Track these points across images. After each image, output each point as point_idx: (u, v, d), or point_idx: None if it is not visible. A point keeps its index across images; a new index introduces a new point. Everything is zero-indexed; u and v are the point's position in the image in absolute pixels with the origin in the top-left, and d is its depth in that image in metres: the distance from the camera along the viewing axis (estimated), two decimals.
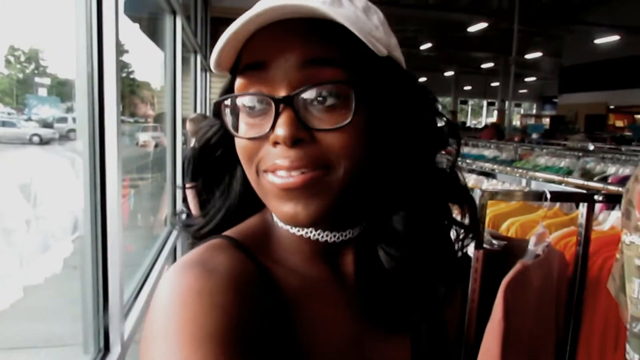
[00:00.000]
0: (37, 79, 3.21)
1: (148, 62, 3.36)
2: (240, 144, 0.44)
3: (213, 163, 0.52)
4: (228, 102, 0.45)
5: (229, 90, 0.48)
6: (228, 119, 0.45)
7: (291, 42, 0.41)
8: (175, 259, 2.49)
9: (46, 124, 3.22)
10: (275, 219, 0.49)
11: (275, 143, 0.41)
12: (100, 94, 1.07)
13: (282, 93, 0.41)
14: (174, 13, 2.32)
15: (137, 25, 3.12)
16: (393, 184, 0.46)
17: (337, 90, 0.41)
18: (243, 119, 0.44)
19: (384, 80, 0.44)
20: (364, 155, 0.43)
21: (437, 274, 0.49)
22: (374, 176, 0.46)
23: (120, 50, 1.11)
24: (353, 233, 0.50)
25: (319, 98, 0.41)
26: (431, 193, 0.48)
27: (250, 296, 0.42)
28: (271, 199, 0.44)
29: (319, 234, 0.48)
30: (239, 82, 0.44)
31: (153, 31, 2.88)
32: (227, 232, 0.48)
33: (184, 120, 2.76)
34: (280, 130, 0.40)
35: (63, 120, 3.31)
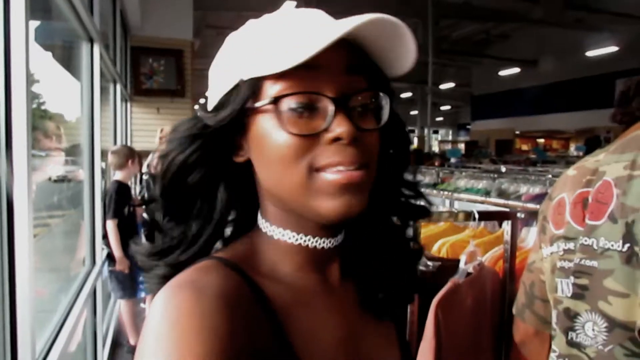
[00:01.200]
0: None
1: (62, 92, 3.18)
2: (287, 143, 0.44)
3: (190, 185, 0.51)
4: (266, 103, 0.45)
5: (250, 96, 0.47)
6: (269, 119, 0.45)
7: (339, 47, 0.44)
8: (94, 300, 2.32)
9: None
10: (269, 233, 0.51)
11: (335, 140, 0.44)
12: (8, 127, 0.99)
13: (331, 94, 0.45)
14: (91, 41, 2.23)
15: (49, 53, 2.96)
16: (379, 187, 0.52)
17: (376, 96, 0.48)
18: (287, 120, 0.45)
19: (391, 95, 0.50)
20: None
21: (404, 264, 0.57)
22: None
23: (30, 80, 1.04)
24: (339, 240, 0.53)
25: (365, 101, 0.47)
26: (401, 198, 0.56)
27: (241, 314, 0.42)
28: (321, 196, 0.45)
29: (316, 241, 0.51)
30: (281, 83, 0.45)
31: (68, 60, 2.74)
32: (216, 254, 0.50)
33: (103, 153, 2.63)
34: (343, 128, 0.43)
35: None
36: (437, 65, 14.03)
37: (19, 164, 1.01)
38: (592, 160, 0.98)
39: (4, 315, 0.99)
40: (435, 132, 24.80)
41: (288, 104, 0.44)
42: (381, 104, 0.48)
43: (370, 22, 0.42)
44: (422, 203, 0.57)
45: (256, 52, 0.47)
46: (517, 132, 16.40)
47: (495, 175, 3.39)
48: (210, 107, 0.51)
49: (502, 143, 15.52)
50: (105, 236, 3.01)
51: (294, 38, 0.45)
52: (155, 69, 5.05)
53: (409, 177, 0.56)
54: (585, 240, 0.90)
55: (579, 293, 0.90)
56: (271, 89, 0.45)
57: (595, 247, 0.88)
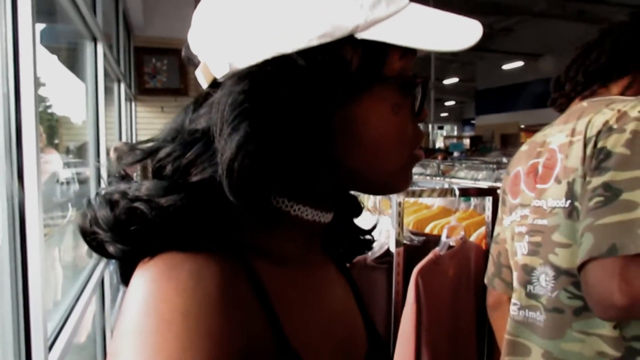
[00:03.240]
0: None
1: (68, 93, 3.23)
2: (405, 124, 0.46)
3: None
4: (402, 81, 0.44)
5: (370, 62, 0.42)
6: (394, 95, 0.44)
7: None
8: (102, 290, 2.38)
9: None
10: (288, 210, 0.45)
11: (420, 121, 0.48)
12: (18, 131, 1.03)
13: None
14: (94, 40, 2.28)
15: (55, 56, 3.01)
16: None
17: None
18: (411, 101, 0.46)
19: None
20: None
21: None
22: None
23: (37, 83, 1.08)
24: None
25: None
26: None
27: (239, 312, 0.38)
28: (405, 171, 0.48)
29: (323, 216, 0.49)
30: (404, 63, 0.44)
31: (73, 62, 2.79)
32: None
33: (108, 151, 2.68)
34: (426, 111, 0.47)
35: None
36: (440, 61, 14.01)
37: (29, 167, 1.05)
38: (540, 135, 1.11)
39: (17, 302, 1.05)
40: (440, 127, 24.74)
41: (414, 86, 0.45)
42: None
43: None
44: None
45: (392, 14, 0.42)
46: (522, 126, 16.33)
47: (495, 167, 3.41)
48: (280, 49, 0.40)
49: (507, 137, 15.47)
50: None
51: (448, 20, 0.44)
52: (159, 68, 5.10)
53: None
54: (536, 202, 1.01)
55: (533, 250, 1.01)
56: (396, 65, 0.43)
57: (544, 207, 0.99)
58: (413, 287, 1.40)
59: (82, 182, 3.28)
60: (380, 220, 1.52)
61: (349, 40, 0.41)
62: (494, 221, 1.56)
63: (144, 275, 0.37)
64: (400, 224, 1.48)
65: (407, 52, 0.43)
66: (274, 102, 0.39)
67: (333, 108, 0.41)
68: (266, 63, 0.40)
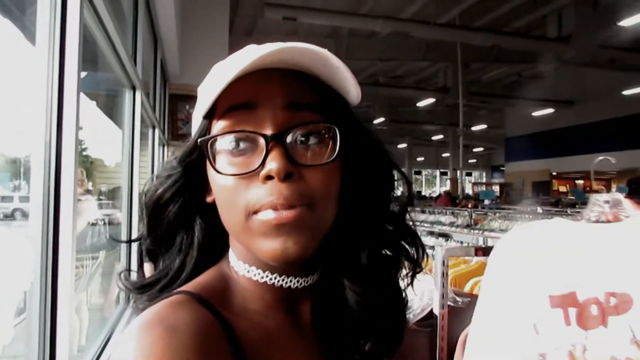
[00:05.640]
0: None
1: (103, 137, 3.33)
2: (225, 185, 0.44)
3: (167, 219, 0.51)
4: (208, 143, 0.45)
5: (202, 136, 0.48)
6: (211, 159, 0.45)
7: (277, 84, 0.44)
8: None
9: None
10: (237, 268, 0.49)
11: (267, 178, 0.42)
12: (57, 172, 1.04)
13: (269, 132, 0.43)
14: (133, 88, 2.36)
15: (94, 102, 3.13)
16: (354, 225, 0.49)
17: (323, 130, 0.45)
18: (225, 160, 0.44)
19: (354, 126, 0.48)
20: (337, 196, 0.46)
21: (388, 309, 0.52)
22: (339, 218, 0.48)
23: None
24: (313, 279, 0.50)
25: (307, 136, 0.44)
26: (386, 233, 0.52)
27: (212, 355, 0.40)
28: (259, 238, 0.43)
29: (282, 280, 0.48)
30: (221, 123, 0.45)
31: (110, 108, 2.89)
32: (185, 287, 0.47)
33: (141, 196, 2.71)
34: (274, 164, 0.41)
35: (9, 199, 3.16)
36: (469, 108, 14.02)
37: (66, 207, 1.05)
38: None
39: (44, 346, 1.02)
40: (469, 174, 24.49)
41: (222, 143, 0.44)
42: (331, 137, 0.45)
43: (275, 52, 0.41)
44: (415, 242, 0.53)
45: (203, 91, 0.47)
46: (554, 174, 15.99)
47: (531, 217, 3.30)
48: None
49: (538, 184, 15.13)
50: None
51: (221, 74, 0.43)
52: (192, 114, 5.25)
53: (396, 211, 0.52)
54: None
55: None
56: (214, 129, 0.45)
57: None
58: (459, 354, 1.25)
59: (112, 223, 3.32)
60: (423, 280, 1.44)
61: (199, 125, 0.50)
62: None
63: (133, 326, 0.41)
64: (444, 285, 1.37)
65: (229, 109, 0.44)
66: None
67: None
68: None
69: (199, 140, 0.46)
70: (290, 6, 8.36)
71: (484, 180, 26.20)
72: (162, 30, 3.55)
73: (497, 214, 3.93)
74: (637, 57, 10.30)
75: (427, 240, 2.73)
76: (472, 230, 2.70)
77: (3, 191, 3.13)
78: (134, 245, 2.43)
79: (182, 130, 5.25)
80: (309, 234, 0.43)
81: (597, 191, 0.91)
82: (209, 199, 0.50)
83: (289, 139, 0.43)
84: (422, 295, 1.44)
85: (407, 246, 0.53)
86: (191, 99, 5.31)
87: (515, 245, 0.92)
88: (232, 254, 0.50)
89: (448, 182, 17.83)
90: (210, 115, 0.47)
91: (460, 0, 9.19)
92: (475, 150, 23.91)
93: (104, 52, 1.75)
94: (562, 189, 16.68)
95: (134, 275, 0.55)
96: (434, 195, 19.04)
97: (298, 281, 0.49)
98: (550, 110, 14.48)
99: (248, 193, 0.43)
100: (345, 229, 0.49)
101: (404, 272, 0.54)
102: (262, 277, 0.48)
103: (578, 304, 0.83)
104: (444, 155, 22.89)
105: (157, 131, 3.80)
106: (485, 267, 1.86)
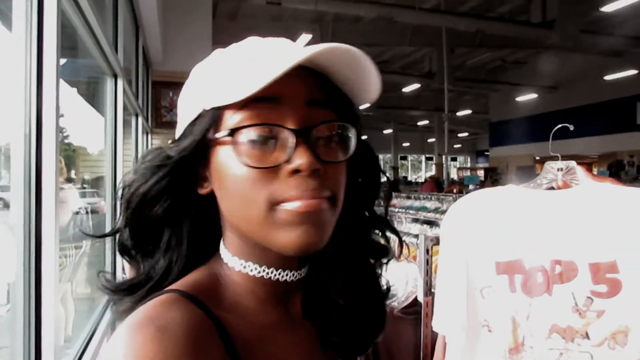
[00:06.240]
0: None
1: (85, 125, 3.28)
2: (247, 176, 0.44)
3: (154, 216, 0.49)
4: (225, 134, 0.44)
5: (209, 127, 0.46)
6: (228, 151, 0.44)
7: (299, 80, 0.45)
8: (114, 329, 2.33)
9: None
10: (231, 265, 0.49)
11: (294, 172, 0.43)
12: (38, 160, 1.02)
13: (292, 127, 0.44)
14: (115, 76, 2.32)
15: (74, 89, 3.07)
16: (345, 219, 0.50)
17: (341, 128, 0.47)
18: (246, 152, 0.43)
19: (358, 127, 0.50)
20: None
21: (371, 300, 0.54)
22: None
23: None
24: (305, 272, 0.52)
25: (329, 134, 0.46)
26: (368, 225, 0.55)
27: (204, 354, 0.40)
28: (282, 228, 0.43)
29: (279, 274, 0.49)
30: (239, 115, 0.44)
31: (92, 95, 2.84)
32: (175, 286, 0.47)
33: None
34: (303, 159, 0.42)
35: None
36: (453, 93, 14.09)
37: (48, 197, 1.04)
38: None
39: (29, 345, 1.01)
40: (454, 159, 24.70)
41: (247, 135, 0.43)
42: (347, 135, 0.47)
43: (324, 51, 0.41)
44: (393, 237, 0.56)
45: (218, 82, 0.46)
46: (537, 158, 16.22)
47: None
48: (176, 137, 0.50)
49: (522, 169, 15.33)
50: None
51: (253, 68, 0.44)
52: (175, 102, 5.17)
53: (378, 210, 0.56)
54: None
55: None
56: (231, 120, 0.44)
57: None
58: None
59: (96, 212, 3.28)
60: (407, 268, 1.45)
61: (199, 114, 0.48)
62: None
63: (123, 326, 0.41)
64: (429, 273, 1.37)
65: (253, 101, 0.43)
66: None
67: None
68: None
69: (219, 131, 0.45)
70: None
71: (469, 165, 26.45)
72: (144, 16, 3.49)
73: None
74: (619, 42, 10.42)
75: (412, 228, 2.74)
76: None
77: None
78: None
79: (165, 118, 5.19)
80: (328, 227, 0.45)
81: None
82: (202, 191, 0.49)
83: (314, 134, 0.45)
84: (407, 283, 1.46)
85: (384, 236, 0.56)
86: (175, 85, 5.25)
87: (465, 212, 0.91)
88: (224, 251, 0.50)
89: (434, 167, 17.98)
90: (221, 107, 0.45)
91: None
92: (460, 135, 24.07)
93: (83, 39, 1.71)
94: None
95: (109, 276, 0.53)
96: (420, 180, 19.19)
97: (293, 274, 0.50)
98: (533, 96, 14.62)
99: (272, 185, 0.43)
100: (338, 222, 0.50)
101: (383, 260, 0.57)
102: (259, 272, 0.48)
103: (524, 271, 0.83)
104: (430, 140, 23.01)
105: (140, 119, 3.75)
106: None
